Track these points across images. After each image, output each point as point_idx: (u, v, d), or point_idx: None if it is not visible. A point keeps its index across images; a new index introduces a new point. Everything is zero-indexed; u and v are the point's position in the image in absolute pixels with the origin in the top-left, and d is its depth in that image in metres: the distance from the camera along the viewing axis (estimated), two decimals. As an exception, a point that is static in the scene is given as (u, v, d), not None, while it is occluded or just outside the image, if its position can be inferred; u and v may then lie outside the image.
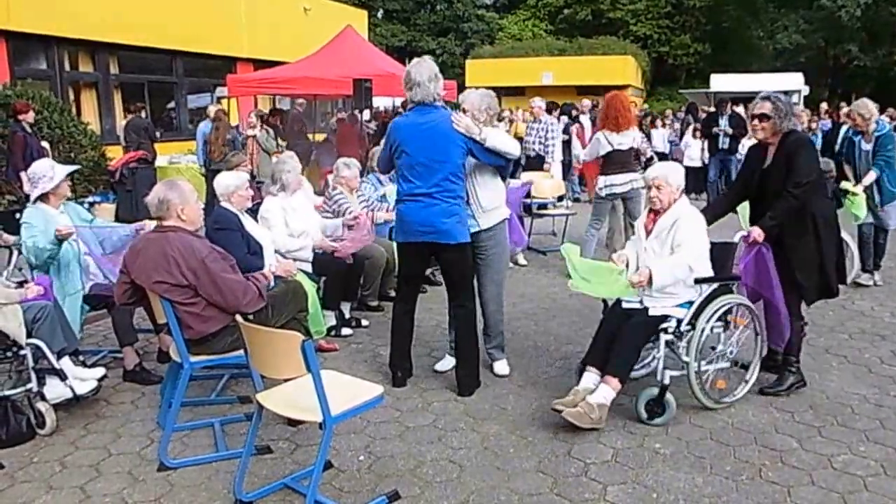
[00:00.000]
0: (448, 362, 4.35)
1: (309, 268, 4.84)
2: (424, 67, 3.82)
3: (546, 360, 4.58)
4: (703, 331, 3.59)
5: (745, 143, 10.74)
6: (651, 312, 3.67)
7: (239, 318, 3.05)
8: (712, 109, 12.28)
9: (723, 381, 3.78)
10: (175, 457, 3.31)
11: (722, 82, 20.09)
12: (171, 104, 14.73)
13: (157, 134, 11.25)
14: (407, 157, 3.88)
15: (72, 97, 12.31)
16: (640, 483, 3.08)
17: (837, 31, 30.55)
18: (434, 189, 3.83)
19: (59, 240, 4.04)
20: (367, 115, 12.65)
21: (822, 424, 3.62)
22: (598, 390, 3.52)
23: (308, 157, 10.75)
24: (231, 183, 4.34)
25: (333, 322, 5.00)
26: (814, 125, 12.94)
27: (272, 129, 10.78)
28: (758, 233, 3.76)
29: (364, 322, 5.30)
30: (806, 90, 20.23)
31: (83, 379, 3.71)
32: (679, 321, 3.64)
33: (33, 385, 3.53)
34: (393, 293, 5.94)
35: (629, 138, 6.45)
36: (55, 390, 3.61)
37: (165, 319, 3.28)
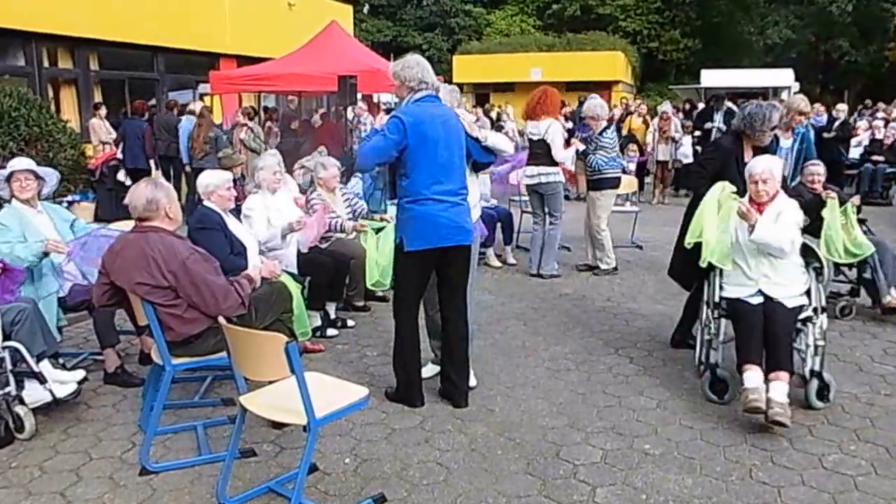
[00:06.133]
0: (431, 369, 4.16)
1: (294, 269, 4.77)
2: (415, 60, 3.64)
3: (534, 361, 4.54)
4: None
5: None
6: (789, 305, 3.80)
7: (222, 319, 2.99)
8: (702, 106, 12.23)
9: None
10: (157, 461, 3.25)
11: (712, 78, 20.11)
12: (153, 101, 14.56)
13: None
14: (432, 152, 3.56)
15: (51, 94, 12.11)
16: (630, 485, 3.05)
17: (828, 27, 30.69)
18: (461, 189, 3.69)
19: (45, 254, 3.95)
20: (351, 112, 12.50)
21: (813, 424, 3.60)
22: (778, 388, 3.50)
23: (297, 155, 10.65)
24: (211, 182, 4.25)
25: (318, 323, 4.93)
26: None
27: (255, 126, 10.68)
28: None
29: (350, 322, 5.24)
30: (796, 86, 20.27)
31: (63, 382, 3.62)
32: (814, 309, 3.85)
33: (12, 388, 3.46)
34: (379, 293, 5.86)
35: (541, 129, 6.41)
36: (34, 394, 3.53)
37: (147, 321, 3.21)
